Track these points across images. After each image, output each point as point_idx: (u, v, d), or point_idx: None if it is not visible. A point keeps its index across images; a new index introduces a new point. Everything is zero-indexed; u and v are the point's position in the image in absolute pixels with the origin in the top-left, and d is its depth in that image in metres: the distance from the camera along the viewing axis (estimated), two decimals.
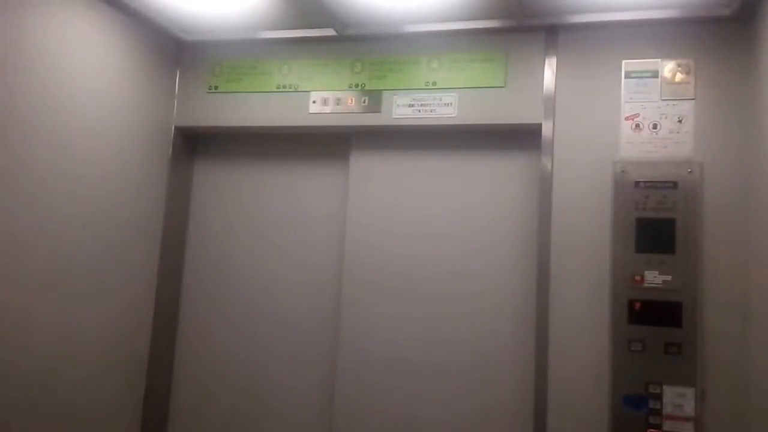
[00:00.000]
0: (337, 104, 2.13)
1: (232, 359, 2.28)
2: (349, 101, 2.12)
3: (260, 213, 2.34)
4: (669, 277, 1.73)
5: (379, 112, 2.09)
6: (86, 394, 1.94)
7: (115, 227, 2.03)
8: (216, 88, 2.28)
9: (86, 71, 1.91)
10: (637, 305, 1.75)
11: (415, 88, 2.06)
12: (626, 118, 1.86)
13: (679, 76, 1.84)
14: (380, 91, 2.10)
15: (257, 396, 2.23)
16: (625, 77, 1.88)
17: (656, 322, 1.72)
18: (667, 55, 1.85)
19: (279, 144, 2.34)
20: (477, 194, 2.08)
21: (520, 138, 2.01)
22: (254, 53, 2.25)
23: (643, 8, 1.83)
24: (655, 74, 1.86)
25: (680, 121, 1.82)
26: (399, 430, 2.04)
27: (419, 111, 2.05)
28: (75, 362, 1.88)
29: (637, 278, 1.75)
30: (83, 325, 1.91)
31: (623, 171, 1.82)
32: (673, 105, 1.83)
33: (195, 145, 2.43)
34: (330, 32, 2.11)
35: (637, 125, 1.85)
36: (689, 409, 1.66)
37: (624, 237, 1.78)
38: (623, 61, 1.88)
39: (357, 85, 2.12)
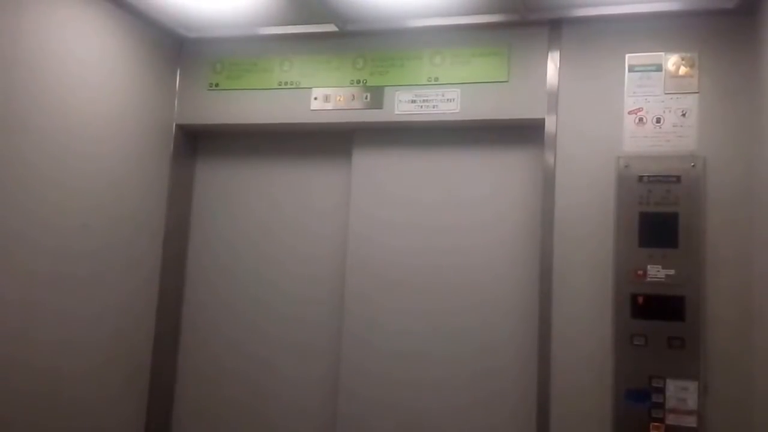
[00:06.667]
0: (339, 101, 2.12)
1: (236, 351, 2.29)
2: (351, 97, 2.11)
3: (263, 209, 2.34)
4: (672, 271, 1.74)
5: (381, 108, 2.08)
6: (90, 387, 1.96)
7: (117, 223, 2.04)
8: (217, 85, 2.27)
9: (87, 69, 1.90)
10: (640, 299, 1.76)
11: (418, 84, 2.05)
12: (629, 112, 1.86)
13: (682, 70, 1.83)
14: (382, 87, 2.09)
15: (261, 388, 2.26)
16: (629, 71, 1.87)
17: (659, 316, 1.73)
18: (670, 49, 1.84)
19: (281, 141, 2.34)
20: (480, 189, 2.08)
21: (523, 133, 2.01)
22: (255, 50, 2.24)
23: (647, 1, 1.82)
24: (658, 68, 1.85)
25: (684, 115, 1.82)
26: (403, 420, 2.06)
27: (422, 107, 2.04)
28: (79, 355, 1.90)
29: (640, 272, 1.76)
30: (86, 318, 1.93)
31: (626, 165, 1.82)
32: (677, 99, 1.83)
33: (196, 142, 2.43)
34: (331, 28, 2.10)
35: (641, 119, 1.85)
36: (692, 402, 1.68)
37: (627, 231, 1.79)
38: (627, 55, 1.87)
39: (359, 82, 2.11)
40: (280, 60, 2.21)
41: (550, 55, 1.94)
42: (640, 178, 1.79)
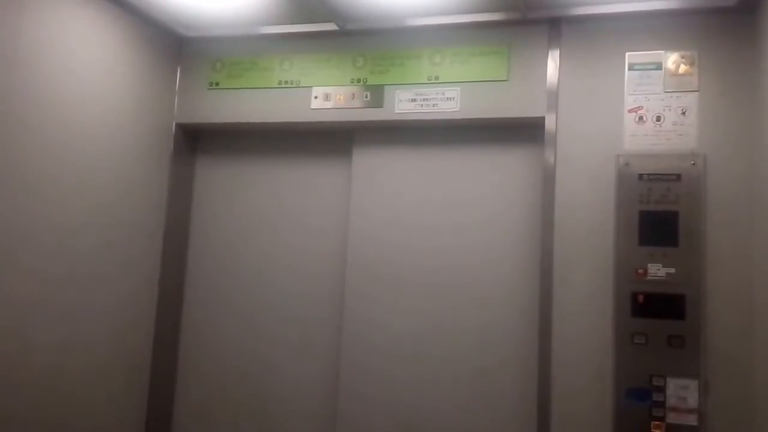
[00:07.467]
0: (339, 99, 2.12)
1: (236, 350, 2.30)
2: (351, 96, 2.11)
3: (263, 208, 2.34)
4: (672, 270, 1.74)
5: (381, 107, 2.08)
6: (91, 385, 1.96)
7: (117, 221, 2.04)
8: (217, 84, 2.27)
9: (87, 68, 1.90)
10: (641, 298, 1.75)
11: (418, 83, 2.05)
12: (630, 111, 1.86)
13: (682, 68, 1.83)
14: (382, 86, 2.09)
15: (261, 386, 2.26)
16: (629, 69, 1.87)
17: (660, 315, 1.73)
18: (670, 47, 1.84)
19: (281, 140, 2.34)
20: (480, 188, 2.08)
21: (523, 131, 2.01)
22: (255, 49, 2.24)
23: None
24: (658, 66, 1.85)
25: (684, 113, 1.82)
26: (403, 419, 2.06)
27: (422, 106, 2.04)
28: (79, 353, 1.91)
29: (641, 271, 1.76)
30: (87, 317, 1.93)
31: (627, 164, 1.82)
32: (677, 97, 1.83)
33: (196, 141, 2.43)
34: (331, 27, 2.10)
35: (641, 118, 1.85)
36: (693, 401, 1.68)
37: (627, 230, 1.79)
38: (627, 53, 1.87)
39: (359, 80, 2.12)
40: (280, 59, 2.21)
41: (550, 53, 1.94)
42: (641, 176, 1.79)
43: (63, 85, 1.82)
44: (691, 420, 1.67)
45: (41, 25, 1.73)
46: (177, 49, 2.31)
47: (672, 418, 1.69)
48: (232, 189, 2.39)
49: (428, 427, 2.03)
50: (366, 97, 2.10)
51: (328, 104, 2.14)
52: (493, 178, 2.07)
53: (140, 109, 2.14)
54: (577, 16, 1.90)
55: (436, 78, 2.04)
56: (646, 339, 1.73)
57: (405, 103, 2.06)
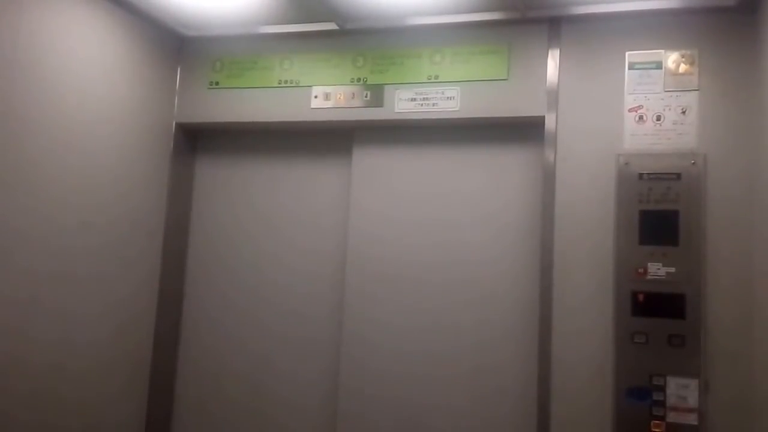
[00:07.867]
0: (339, 99, 2.12)
1: (237, 348, 2.30)
2: (351, 96, 2.11)
3: (263, 207, 2.34)
4: (672, 269, 1.74)
5: (381, 106, 2.08)
6: (91, 384, 1.96)
7: (117, 221, 2.04)
8: (217, 83, 2.28)
9: (87, 68, 1.91)
10: (641, 297, 1.75)
11: (418, 82, 2.05)
12: (630, 110, 1.86)
13: (682, 67, 1.83)
14: (382, 85, 2.09)
15: (262, 385, 2.26)
16: (629, 68, 1.87)
17: (660, 314, 1.73)
18: (670, 46, 1.84)
19: (281, 139, 2.34)
20: (480, 187, 2.08)
21: (524, 131, 2.01)
22: (255, 48, 2.24)
23: None
24: (658, 65, 1.85)
25: (684, 113, 1.82)
26: (403, 417, 2.06)
27: (422, 105, 2.04)
28: (79, 353, 1.91)
29: (641, 270, 1.76)
30: (87, 316, 1.93)
31: (627, 163, 1.82)
32: (677, 96, 1.82)
33: (196, 141, 2.43)
34: (331, 26, 2.10)
35: (641, 117, 1.85)
36: (693, 400, 1.68)
37: (627, 229, 1.79)
38: (627, 53, 1.87)
39: (359, 80, 2.12)
40: (281, 58, 2.21)
41: (550, 52, 1.94)
42: (641, 175, 1.79)
43: (63, 85, 1.82)
44: (691, 419, 1.67)
45: (41, 25, 1.73)
46: (177, 48, 2.32)
47: (672, 417, 1.69)
48: (232, 188, 2.39)
49: (428, 425, 2.03)
50: (366, 96, 2.10)
51: (328, 104, 2.14)
52: (493, 177, 2.07)
53: (140, 109, 2.15)
54: (577, 16, 1.90)
55: (436, 77, 2.04)
56: (647, 338, 1.73)
57: (405, 103, 2.06)
